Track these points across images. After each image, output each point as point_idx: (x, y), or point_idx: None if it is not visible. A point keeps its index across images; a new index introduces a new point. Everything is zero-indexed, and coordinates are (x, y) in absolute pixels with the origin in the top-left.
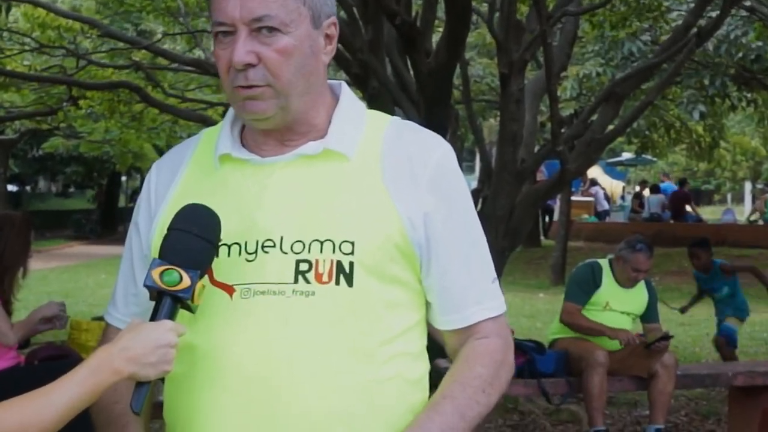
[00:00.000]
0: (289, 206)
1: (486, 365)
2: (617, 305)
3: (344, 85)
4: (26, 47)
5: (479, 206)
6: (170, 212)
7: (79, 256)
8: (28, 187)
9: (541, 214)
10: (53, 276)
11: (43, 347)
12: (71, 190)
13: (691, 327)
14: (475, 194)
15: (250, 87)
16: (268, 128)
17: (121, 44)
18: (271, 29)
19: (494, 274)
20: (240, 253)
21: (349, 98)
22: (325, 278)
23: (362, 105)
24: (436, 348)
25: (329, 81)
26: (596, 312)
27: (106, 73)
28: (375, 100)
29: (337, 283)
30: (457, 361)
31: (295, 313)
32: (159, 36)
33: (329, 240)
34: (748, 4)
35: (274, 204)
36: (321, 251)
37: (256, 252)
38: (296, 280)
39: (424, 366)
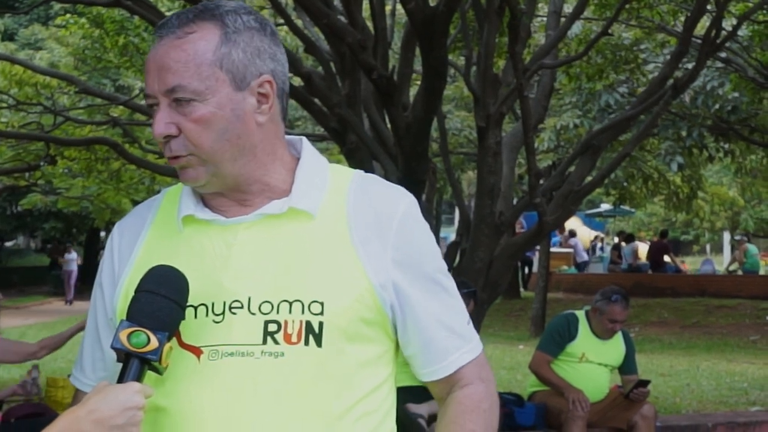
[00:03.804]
0: (255, 267)
1: (475, 421)
2: (594, 357)
3: (305, 140)
4: (3, 104)
5: (458, 259)
6: (134, 275)
7: (58, 313)
8: (8, 243)
9: (521, 266)
10: (32, 333)
11: (20, 405)
12: (50, 246)
13: (672, 378)
14: (454, 247)
15: (176, 157)
16: (213, 192)
17: (98, 100)
18: (187, 99)
19: (467, 316)
20: (207, 315)
21: (311, 154)
22: (294, 339)
23: (324, 160)
24: (405, 392)
25: (289, 137)
26: (573, 363)
27: (84, 130)
28: (353, 155)
29: (306, 343)
30: (446, 420)
31: (264, 375)
32: (137, 92)
33: (298, 300)
34: (723, 55)
35: (240, 265)
36: (290, 312)
37: (223, 313)
38: (265, 341)
39: (392, 421)
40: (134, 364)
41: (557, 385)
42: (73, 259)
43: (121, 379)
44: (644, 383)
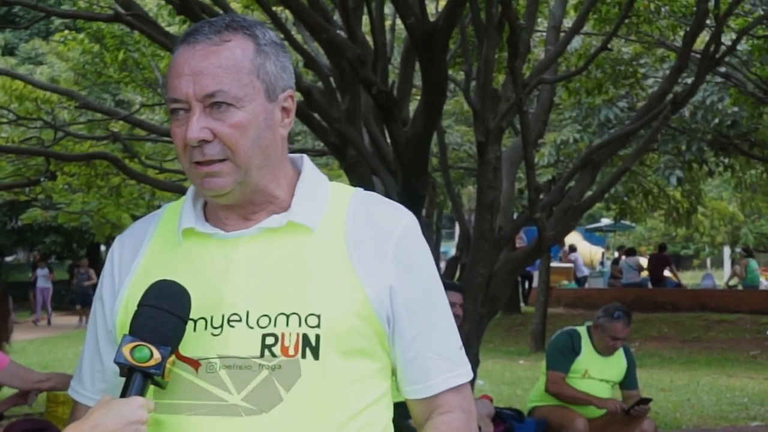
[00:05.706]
0: (254, 280)
1: None
2: (596, 373)
3: (306, 158)
4: (3, 119)
5: (458, 274)
6: (134, 288)
7: (59, 328)
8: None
9: (521, 281)
10: (32, 348)
11: (21, 421)
12: (51, 260)
13: (672, 393)
14: (454, 262)
15: (209, 163)
16: (228, 203)
17: (99, 115)
18: (225, 104)
19: (460, 341)
20: (206, 328)
21: (312, 171)
22: (291, 351)
23: (325, 177)
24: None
25: (290, 155)
26: (575, 380)
27: (84, 145)
28: (352, 170)
29: (304, 356)
30: None
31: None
32: (137, 106)
33: (295, 313)
34: (723, 70)
35: (239, 278)
36: (287, 324)
37: (221, 326)
38: (262, 354)
39: None
40: (137, 379)
41: (583, 399)
42: (44, 275)
43: (124, 394)
44: (645, 401)
